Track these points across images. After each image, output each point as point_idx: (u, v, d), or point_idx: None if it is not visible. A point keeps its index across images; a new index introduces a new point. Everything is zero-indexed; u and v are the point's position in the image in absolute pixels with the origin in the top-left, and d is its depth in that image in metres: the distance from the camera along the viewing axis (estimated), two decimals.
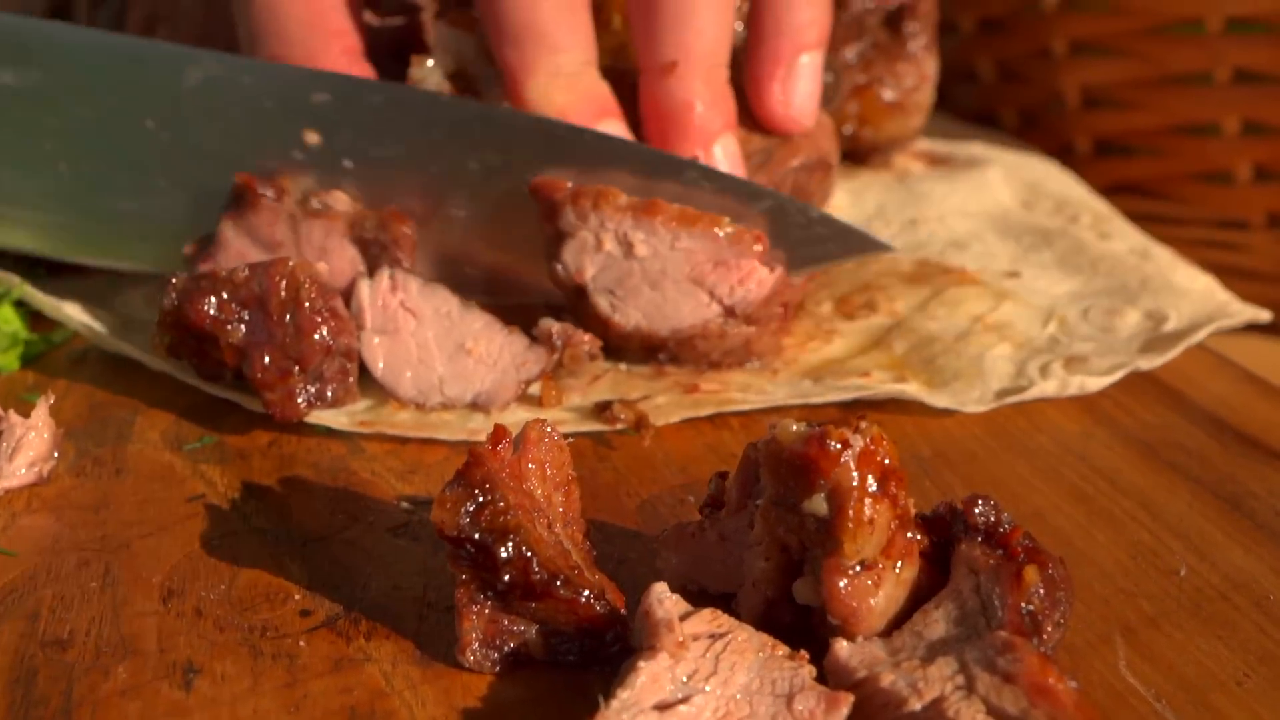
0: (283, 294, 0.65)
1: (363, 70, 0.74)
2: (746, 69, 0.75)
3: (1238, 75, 0.88)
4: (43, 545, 0.59)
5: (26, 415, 0.64)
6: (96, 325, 0.76)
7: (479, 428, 0.67)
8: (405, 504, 0.62)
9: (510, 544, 0.49)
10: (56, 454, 0.65)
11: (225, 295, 0.65)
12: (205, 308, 0.65)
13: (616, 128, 0.72)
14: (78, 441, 0.67)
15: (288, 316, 0.65)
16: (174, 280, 0.66)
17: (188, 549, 0.58)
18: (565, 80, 0.70)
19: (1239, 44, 0.87)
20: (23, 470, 0.63)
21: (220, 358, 0.66)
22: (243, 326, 0.65)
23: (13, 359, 0.74)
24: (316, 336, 0.65)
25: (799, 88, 0.75)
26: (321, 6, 0.73)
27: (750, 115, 0.75)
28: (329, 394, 0.67)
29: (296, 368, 0.65)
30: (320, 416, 0.67)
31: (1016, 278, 0.82)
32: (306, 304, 0.65)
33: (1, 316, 0.74)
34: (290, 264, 0.65)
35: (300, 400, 0.66)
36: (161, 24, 0.88)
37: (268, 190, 0.71)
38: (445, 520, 0.49)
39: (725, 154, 0.72)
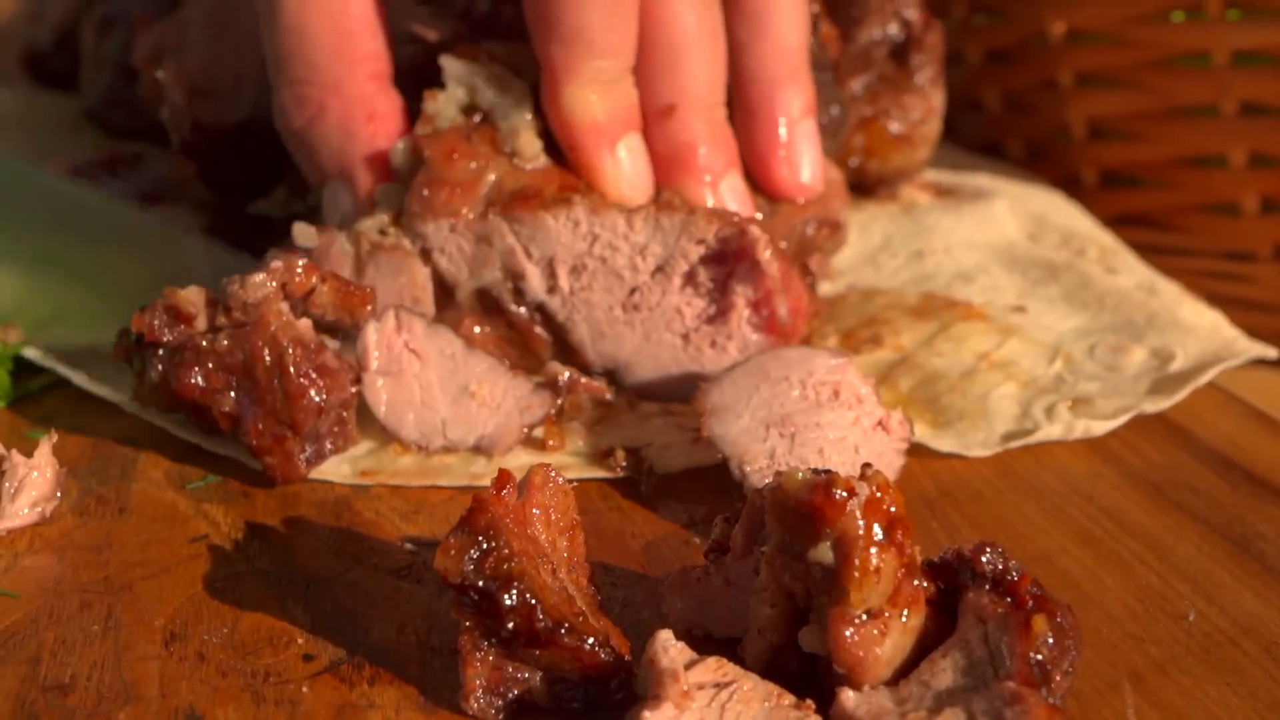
0: (266, 360, 0.64)
1: (390, 97, 0.74)
2: (744, 148, 0.75)
3: (1245, 108, 0.88)
4: (45, 586, 0.58)
5: (29, 454, 0.64)
6: (93, 381, 0.74)
7: (482, 472, 0.66)
8: (409, 545, 0.61)
9: (514, 591, 0.49)
10: (59, 493, 0.64)
11: (211, 365, 0.64)
12: (193, 380, 0.64)
13: (637, 142, 0.72)
14: (81, 480, 0.67)
15: (275, 382, 0.64)
16: (160, 352, 0.65)
17: (190, 591, 0.58)
18: (604, 86, 0.70)
19: (1246, 77, 0.87)
20: (25, 510, 0.63)
21: (215, 423, 0.66)
22: (232, 394, 0.64)
23: None
24: (305, 400, 0.64)
25: (802, 159, 0.75)
26: (348, 29, 0.72)
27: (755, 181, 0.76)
28: (328, 448, 0.66)
29: (291, 431, 0.65)
30: (322, 470, 0.66)
31: (1023, 312, 0.82)
32: (292, 369, 0.64)
33: None
34: (271, 329, 0.64)
35: (300, 460, 0.65)
36: (168, 57, 0.88)
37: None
38: (449, 568, 0.49)
39: (732, 192, 0.73)
